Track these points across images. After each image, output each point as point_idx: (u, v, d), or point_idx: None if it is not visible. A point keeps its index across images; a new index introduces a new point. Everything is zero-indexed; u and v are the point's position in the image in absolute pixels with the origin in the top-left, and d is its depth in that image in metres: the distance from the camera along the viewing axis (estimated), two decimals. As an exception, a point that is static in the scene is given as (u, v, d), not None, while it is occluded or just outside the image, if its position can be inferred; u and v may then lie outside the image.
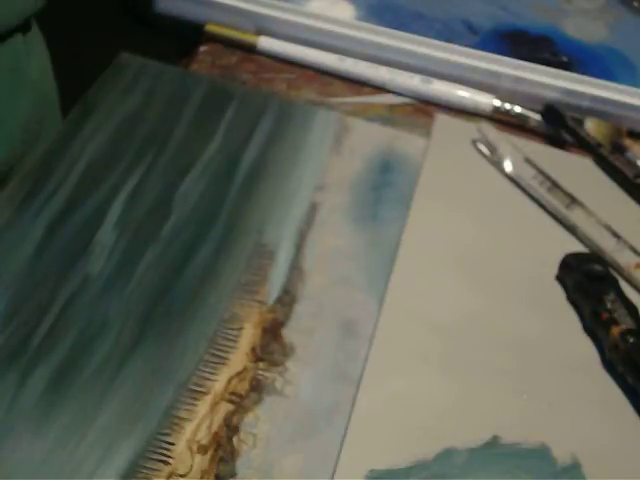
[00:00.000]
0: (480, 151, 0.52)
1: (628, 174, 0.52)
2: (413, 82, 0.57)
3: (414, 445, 0.37)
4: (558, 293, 0.45)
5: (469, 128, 0.53)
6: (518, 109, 0.56)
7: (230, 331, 0.40)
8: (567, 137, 0.55)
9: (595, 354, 0.42)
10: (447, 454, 0.37)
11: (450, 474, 0.36)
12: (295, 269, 0.44)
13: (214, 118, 0.51)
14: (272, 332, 0.41)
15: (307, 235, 0.46)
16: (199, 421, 0.37)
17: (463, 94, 0.57)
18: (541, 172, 0.50)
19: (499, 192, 0.50)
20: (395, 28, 0.59)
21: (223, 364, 0.39)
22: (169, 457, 0.35)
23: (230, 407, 0.37)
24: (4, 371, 0.37)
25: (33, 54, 0.55)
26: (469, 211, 0.48)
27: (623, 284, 0.44)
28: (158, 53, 0.56)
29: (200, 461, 0.35)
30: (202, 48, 0.59)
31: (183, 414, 0.37)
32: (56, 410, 0.36)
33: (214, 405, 0.37)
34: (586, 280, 0.44)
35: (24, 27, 0.53)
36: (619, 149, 0.54)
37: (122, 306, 0.40)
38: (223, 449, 0.36)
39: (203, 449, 0.36)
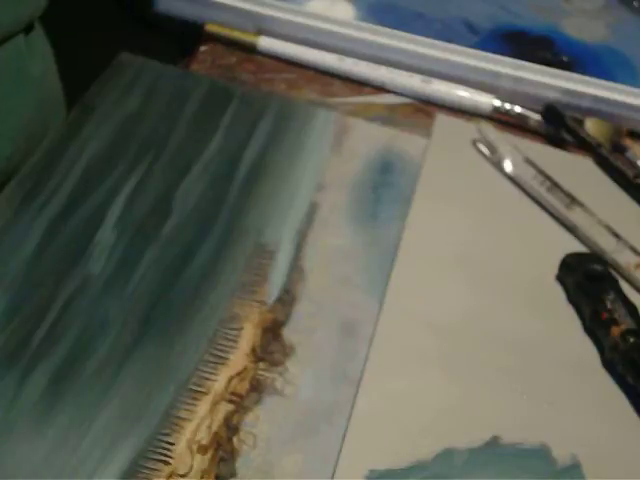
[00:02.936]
0: (480, 151, 0.52)
1: (628, 174, 0.52)
2: (413, 82, 0.57)
3: (414, 445, 0.37)
4: (558, 293, 0.45)
5: (469, 128, 0.53)
6: (518, 109, 0.56)
7: (230, 331, 0.40)
8: (567, 137, 0.55)
9: (595, 354, 0.42)
10: (447, 454, 0.37)
11: (450, 474, 0.36)
12: (295, 269, 0.44)
13: (214, 118, 0.51)
14: (272, 332, 0.41)
15: (307, 235, 0.46)
16: (199, 421, 0.37)
17: (463, 94, 0.57)
18: (541, 172, 0.50)
19: (499, 192, 0.50)
20: (395, 28, 0.59)
21: (223, 364, 0.39)
22: (169, 457, 0.35)
23: (230, 407, 0.37)
24: (4, 371, 0.37)
25: (35, 53, 0.55)
26: (469, 211, 0.48)
27: (623, 284, 0.44)
28: (158, 53, 0.56)
29: (200, 461, 0.35)
30: (202, 48, 0.59)
31: (183, 414, 0.37)
32: (56, 410, 0.36)
33: (214, 405, 0.37)
34: (586, 280, 0.44)
35: (26, 27, 0.53)
36: (619, 149, 0.54)
37: (122, 306, 0.40)
38: (223, 449, 0.36)
39: (203, 449, 0.36)
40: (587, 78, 0.57)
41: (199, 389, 0.38)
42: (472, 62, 0.57)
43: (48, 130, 0.56)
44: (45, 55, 0.58)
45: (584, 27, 0.65)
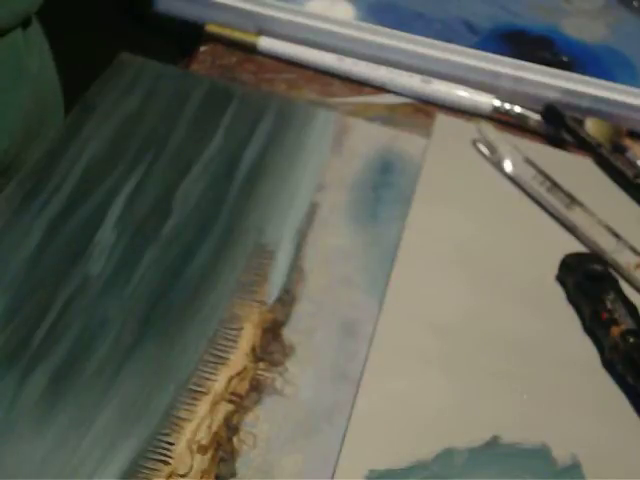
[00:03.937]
0: (480, 151, 0.52)
1: (628, 174, 0.52)
2: (413, 82, 0.57)
3: (414, 445, 0.37)
4: (558, 293, 0.45)
5: (469, 128, 0.53)
6: (518, 109, 0.56)
7: (230, 331, 0.40)
8: (567, 137, 0.55)
9: (595, 354, 0.42)
10: (447, 454, 0.37)
11: (450, 474, 0.36)
12: (295, 269, 0.44)
13: (214, 118, 0.51)
14: (272, 332, 0.41)
15: (307, 235, 0.46)
16: (199, 421, 0.37)
17: (463, 94, 0.57)
18: (541, 172, 0.50)
19: (499, 192, 0.50)
20: (395, 28, 0.59)
21: (223, 364, 0.39)
22: (169, 457, 0.35)
23: (230, 407, 0.37)
24: (4, 371, 0.37)
25: (33, 48, 0.55)
26: (469, 211, 0.48)
27: (623, 284, 0.44)
28: (158, 53, 0.56)
29: (200, 461, 0.35)
30: (202, 48, 0.59)
31: (183, 414, 0.37)
32: (56, 410, 0.36)
33: (214, 405, 0.37)
34: (586, 280, 0.44)
35: (24, 22, 0.53)
36: (619, 149, 0.54)
37: (122, 306, 0.40)
38: (223, 449, 0.36)
39: (203, 449, 0.36)
40: (587, 78, 0.57)
41: (199, 389, 0.38)
42: (472, 62, 0.57)
43: (46, 125, 0.56)
44: (42, 50, 0.58)
45: (584, 27, 0.65)
